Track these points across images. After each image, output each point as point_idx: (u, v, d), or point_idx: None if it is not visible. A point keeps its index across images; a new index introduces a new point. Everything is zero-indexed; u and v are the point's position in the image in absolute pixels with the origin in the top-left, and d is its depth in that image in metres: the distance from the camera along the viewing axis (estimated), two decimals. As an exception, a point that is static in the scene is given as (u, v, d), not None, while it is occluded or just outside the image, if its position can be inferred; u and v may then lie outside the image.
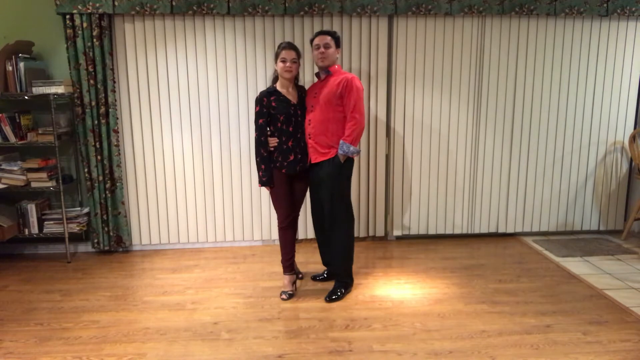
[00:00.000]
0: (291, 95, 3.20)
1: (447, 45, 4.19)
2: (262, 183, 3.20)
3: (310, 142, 3.18)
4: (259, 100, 3.15)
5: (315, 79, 3.32)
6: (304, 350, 2.63)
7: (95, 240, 4.15)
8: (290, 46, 3.11)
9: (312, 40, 3.18)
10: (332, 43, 3.12)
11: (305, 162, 3.24)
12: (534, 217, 4.55)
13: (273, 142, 3.17)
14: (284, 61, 3.10)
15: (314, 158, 3.19)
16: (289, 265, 3.37)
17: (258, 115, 3.15)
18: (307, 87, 3.53)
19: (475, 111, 4.32)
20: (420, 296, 3.31)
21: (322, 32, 3.15)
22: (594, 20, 4.25)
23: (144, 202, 4.21)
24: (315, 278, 3.58)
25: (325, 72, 3.17)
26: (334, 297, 3.21)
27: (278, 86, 3.19)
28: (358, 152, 3.13)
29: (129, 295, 3.36)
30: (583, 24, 4.25)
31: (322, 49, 3.10)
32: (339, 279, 3.33)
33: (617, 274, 3.67)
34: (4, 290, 3.50)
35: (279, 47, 3.13)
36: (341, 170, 3.14)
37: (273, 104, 3.13)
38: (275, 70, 3.19)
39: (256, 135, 3.17)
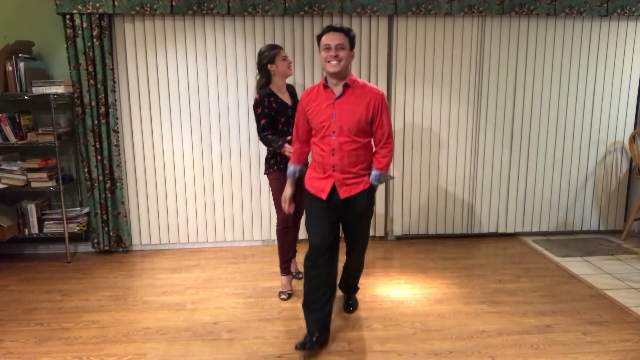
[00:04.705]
0: (286, 97, 3.18)
1: (447, 45, 4.19)
2: (278, 148, 3.08)
3: (336, 174, 2.61)
4: (260, 102, 3.09)
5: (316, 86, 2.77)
6: (304, 350, 2.63)
7: (95, 240, 4.15)
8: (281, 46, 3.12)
9: (319, 37, 2.57)
10: (347, 43, 2.53)
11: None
12: (534, 217, 4.55)
13: (289, 149, 3.02)
14: (285, 59, 3.08)
15: (342, 193, 2.64)
16: (287, 267, 3.37)
17: (261, 116, 3.09)
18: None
19: (475, 111, 4.32)
20: (420, 296, 3.31)
21: (334, 29, 2.53)
22: (594, 20, 4.25)
23: (144, 202, 4.21)
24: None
25: (343, 85, 2.58)
26: (353, 308, 3.10)
27: (274, 89, 3.15)
28: (392, 178, 2.86)
29: (129, 295, 3.36)
30: (583, 24, 4.25)
31: (333, 51, 2.50)
32: (353, 290, 3.16)
33: (617, 274, 3.67)
34: (4, 290, 3.50)
35: (273, 48, 3.08)
36: (373, 198, 2.78)
37: (273, 105, 3.10)
38: (264, 75, 3.12)
39: (260, 135, 3.13)
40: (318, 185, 2.68)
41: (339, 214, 2.70)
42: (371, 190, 2.69)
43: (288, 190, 2.92)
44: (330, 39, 2.51)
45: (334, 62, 2.50)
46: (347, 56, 2.53)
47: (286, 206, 2.94)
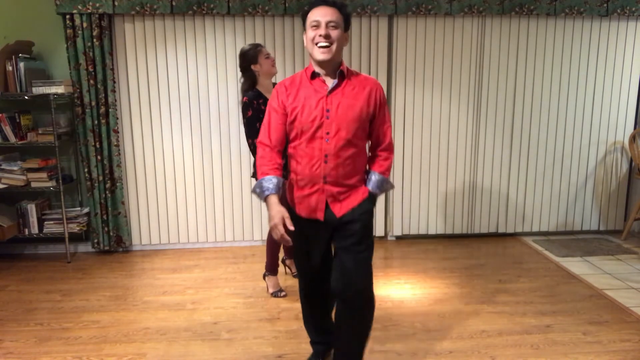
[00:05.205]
0: None
1: (447, 45, 4.19)
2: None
3: (328, 188, 2.09)
4: (249, 104, 2.99)
5: (298, 77, 2.14)
6: (303, 350, 2.63)
7: (95, 240, 4.15)
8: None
9: (305, 15, 2.04)
10: (341, 22, 2.00)
11: None
12: (534, 217, 4.55)
13: None
14: (268, 57, 3.04)
15: (338, 210, 2.12)
16: (277, 267, 3.37)
17: (253, 119, 3.00)
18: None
19: (475, 111, 4.32)
20: (420, 296, 3.31)
21: (325, 2, 2.00)
22: (594, 20, 4.25)
23: (144, 202, 4.21)
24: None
25: (338, 74, 2.05)
26: None
27: (261, 90, 3.07)
28: (393, 187, 2.30)
29: (129, 295, 3.36)
30: (583, 24, 4.25)
31: (324, 29, 1.96)
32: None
33: (617, 274, 3.67)
34: (4, 290, 3.50)
35: (255, 47, 3.03)
36: (372, 213, 2.20)
37: (262, 107, 3.02)
38: (249, 77, 3.06)
39: (250, 141, 3.02)
40: (308, 204, 2.13)
41: (330, 239, 2.19)
42: (372, 201, 2.16)
43: (282, 210, 2.02)
44: (320, 13, 1.96)
45: (323, 45, 1.96)
46: (341, 38, 2.00)
47: (286, 233, 2.04)
